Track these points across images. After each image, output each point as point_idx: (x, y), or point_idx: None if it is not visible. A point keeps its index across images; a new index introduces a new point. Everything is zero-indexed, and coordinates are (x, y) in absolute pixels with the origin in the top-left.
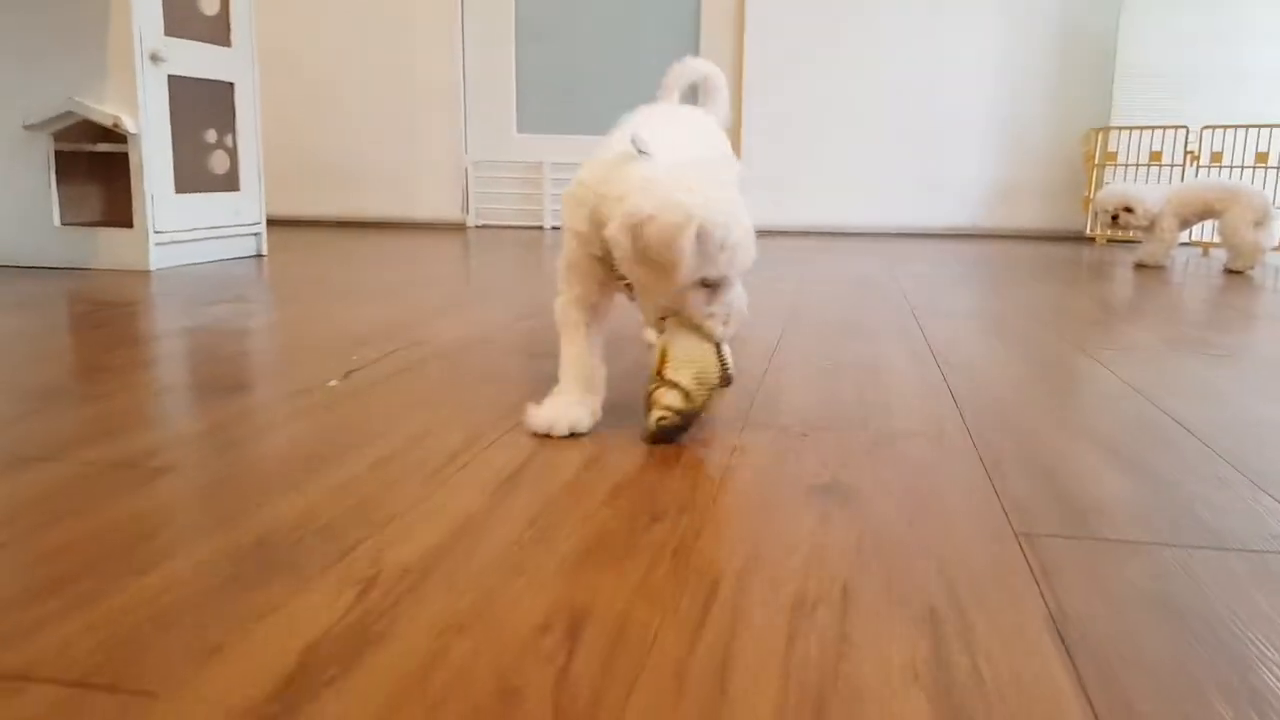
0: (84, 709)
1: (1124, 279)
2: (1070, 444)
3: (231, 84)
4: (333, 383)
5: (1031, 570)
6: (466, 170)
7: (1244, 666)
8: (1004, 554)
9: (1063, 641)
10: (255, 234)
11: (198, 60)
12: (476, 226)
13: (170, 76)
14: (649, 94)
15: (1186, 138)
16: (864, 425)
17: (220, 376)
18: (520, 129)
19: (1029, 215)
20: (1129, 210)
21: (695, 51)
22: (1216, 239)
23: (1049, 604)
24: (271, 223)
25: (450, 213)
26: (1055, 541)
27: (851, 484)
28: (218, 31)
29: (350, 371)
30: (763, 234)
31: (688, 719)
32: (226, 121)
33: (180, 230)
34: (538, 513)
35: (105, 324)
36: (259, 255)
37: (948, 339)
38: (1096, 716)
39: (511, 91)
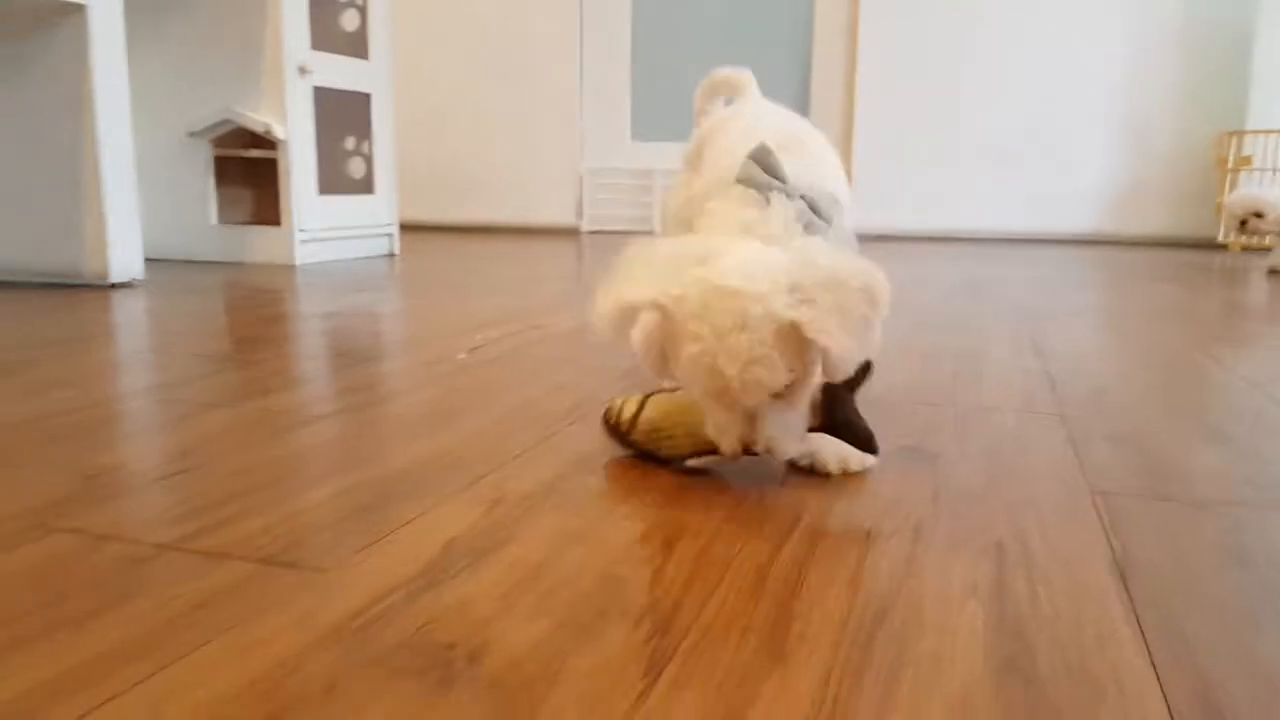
0: (272, 578)
1: (1254, 284)
2: (1168, 422)
3: (369, 95)
4: (461, 356)
5: (1101, 521)
6: (581, 177)
7: None
8: (1075, 506)
9: (1122, 576)
10: (388, 234)
11: (339, 72)
12: (590, 232)
13: (315, 88)
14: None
15: None
16: (953, 401)
17: (361, 349)
18: (634, 137)
19: (1157, 221)
20: (1259, 215)
21: (808, 60)
22: None
23: (1114, 548)
24: (400, 227)
25: (565, 218)
26: (1130, 500)
27: (934, 448)
28: (357, 46)
29: (475, 348)
30: (875, 238)
31: (765, 609)
32: (364, 129)
33: (322, 229)
34: (640, 458)
35: (262, 306)
36: (391, 254)
37: (1055, 333)
38: (1144, 634)
39: (626, 101)
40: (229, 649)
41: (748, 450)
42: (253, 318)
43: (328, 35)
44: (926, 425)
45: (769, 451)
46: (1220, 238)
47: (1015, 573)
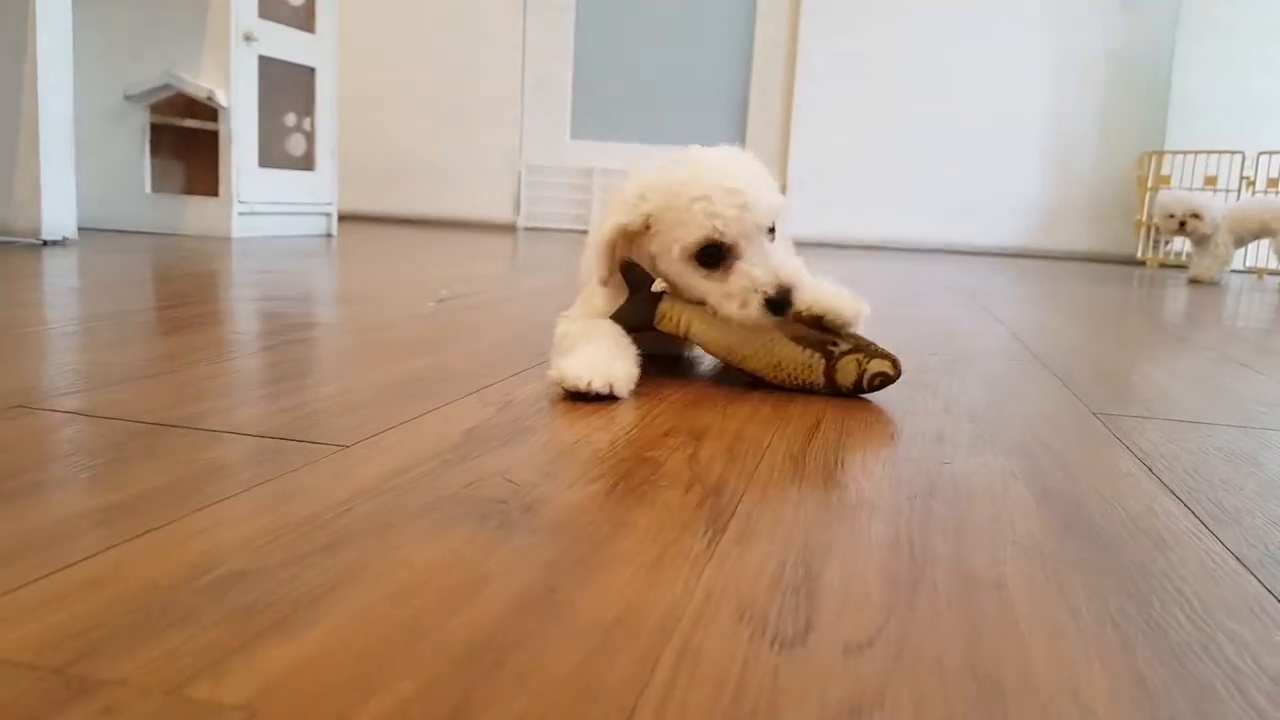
0: (292, 450)
1: (1176, 292)
2: (1138, 369)
3: (313, 69)
4: (431, 304)
5: (1111, 432)
6: (520, 173)
7: None
8: (1083, 421)
9: (1149, 468)
10: (326, 214)
11: (285, 43)
12: (526, 228)
13: (261, 57)
14: (700, 105)
15: (1243, 163)
16: (934, 351)
17: (341, 293)
18: (574, 135)
19: (1080, 237)
20: (1197, 217)
21: (748, 60)
22: (1273, 263)
23: (1132, 448)
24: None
25: (502, 214)
26: (1130, 419)
27: (933, 382)
28: (304, 18)
29: (442, 299)
30: (810, 245)
31: (811, 482)
32: (307, 105)
33: (260, 202)
34: (648, 376)
35: (208, 261)
36: (328, 235)
37: (1008, 311)
38: (1185, 504)
39: (568, 98)
40: (268, 495)
41: (776, 300)
42: (202, 269)
43: (275, 4)
44: (917, 367)
45: (790, 289)
46: (1139, 254)
47: (1047, 464)
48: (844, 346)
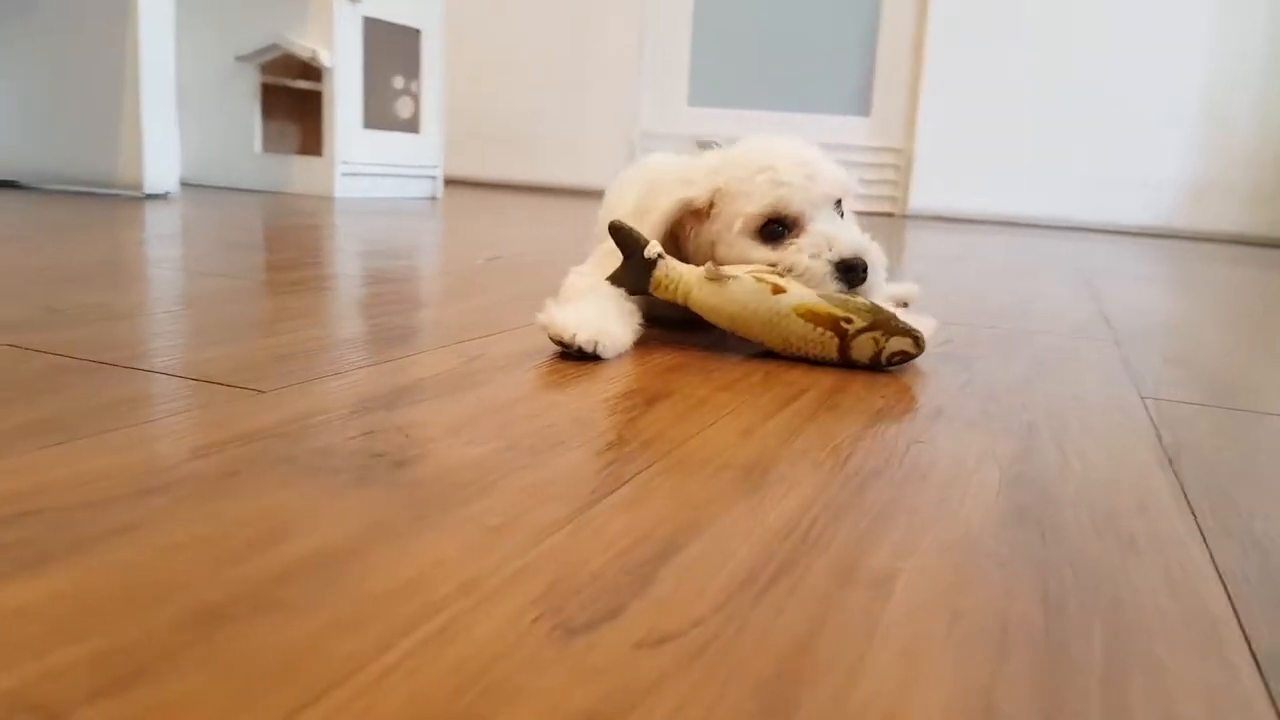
0: (206, 392)
1: None
2: (1233, 351)
3: (419, 31)
4: (479, 262)
5: (1150, 417)
6: (634, 141)
7: None
8: (1121, 404)
9: (1169, 461)
10: (432, 176)
11: (391, 5)
12: None
13: (365, 18)
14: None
15: None
16: (997, 325)
17: (394, 249)
18: (692, 102)
19: (1232, 217)
20: None
21: (874, 31)
22: None
23: (1162, 437)
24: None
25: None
26: (1184, 406)
27: (971, 354)
28: None
29: (492, 258)
30: (932, 219)
31: (747, 453)
32: (413, 67)
33: (364, 164)
34: (654, 340)
35: (292, 217)
36: (433, 198)
37: (1115, 289)
38: (1190, 504)
39: (685, 65)
40: (135, 437)
41: (849, 263)
42: (282, 224)
43: None
44: (965, 340)
45: (864, 261)
46: None
47: (1044, 444)
48: (860, 323)
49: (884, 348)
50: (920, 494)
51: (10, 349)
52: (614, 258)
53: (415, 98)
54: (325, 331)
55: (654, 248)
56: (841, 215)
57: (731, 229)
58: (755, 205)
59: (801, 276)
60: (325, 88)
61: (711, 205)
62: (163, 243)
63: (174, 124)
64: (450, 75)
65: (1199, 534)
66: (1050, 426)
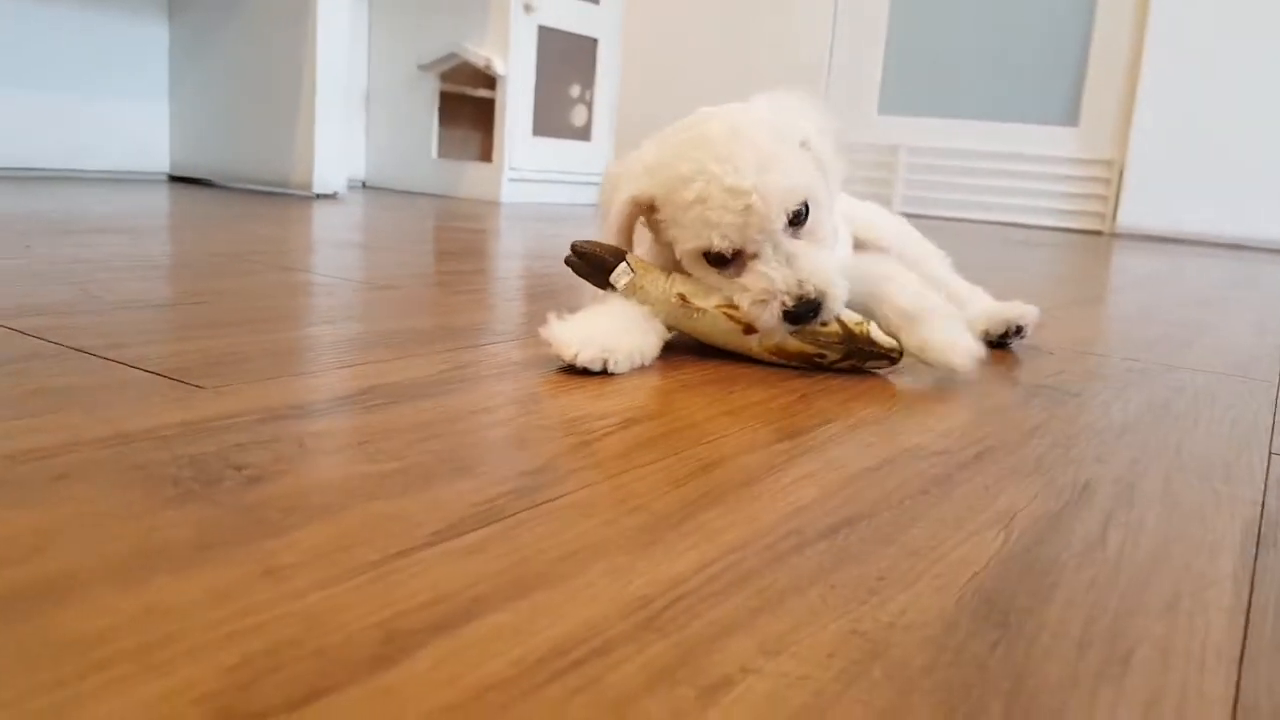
0: (157, 384)
1: None
2: None
3: (596, 40)
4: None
5: (1266, 479)
6: None
7: None
8: (1237, 460)
9: (1259, 534)
10: (599, 184)
11: (567, 13)
12: None
13: (540, 27)
14: (1025, 76)
15: None
16: (1138, 357)
17: (535, 251)
18: (882, 110)
19: None
20: None
21: (1088, 29)
22: None
23: (1265, 511)
24: None
25: None
26: None
27: (1078, 388)
28: None
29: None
30: (1147, 238)
31: (684, 495)
32: (588, 76)
33: (532, 169)
34: (689, 350)
35: (433, 219)
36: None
37: None
38: (1251, 594)
39: (877, 72)
40: (15, 429)
41: (796, 312)
42: (417, 225)
43: None
44: (1088, 371)
45: (819, 295)
46: None
47: (1089, 511)
48: (833, 356)
49: (863, 366)
50: (872, 563)
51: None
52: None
53: (589, 105)
54: (320, 330)
55: (620, 275)
56: (805, 217)
57: (677, 244)
58: (690, 243)
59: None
60: (498, 94)
61: (654, 208)
62: (279, 239)
63: (343, 128)
64: (626, 83)
65: (1235, 679)
66: (1114, 488)
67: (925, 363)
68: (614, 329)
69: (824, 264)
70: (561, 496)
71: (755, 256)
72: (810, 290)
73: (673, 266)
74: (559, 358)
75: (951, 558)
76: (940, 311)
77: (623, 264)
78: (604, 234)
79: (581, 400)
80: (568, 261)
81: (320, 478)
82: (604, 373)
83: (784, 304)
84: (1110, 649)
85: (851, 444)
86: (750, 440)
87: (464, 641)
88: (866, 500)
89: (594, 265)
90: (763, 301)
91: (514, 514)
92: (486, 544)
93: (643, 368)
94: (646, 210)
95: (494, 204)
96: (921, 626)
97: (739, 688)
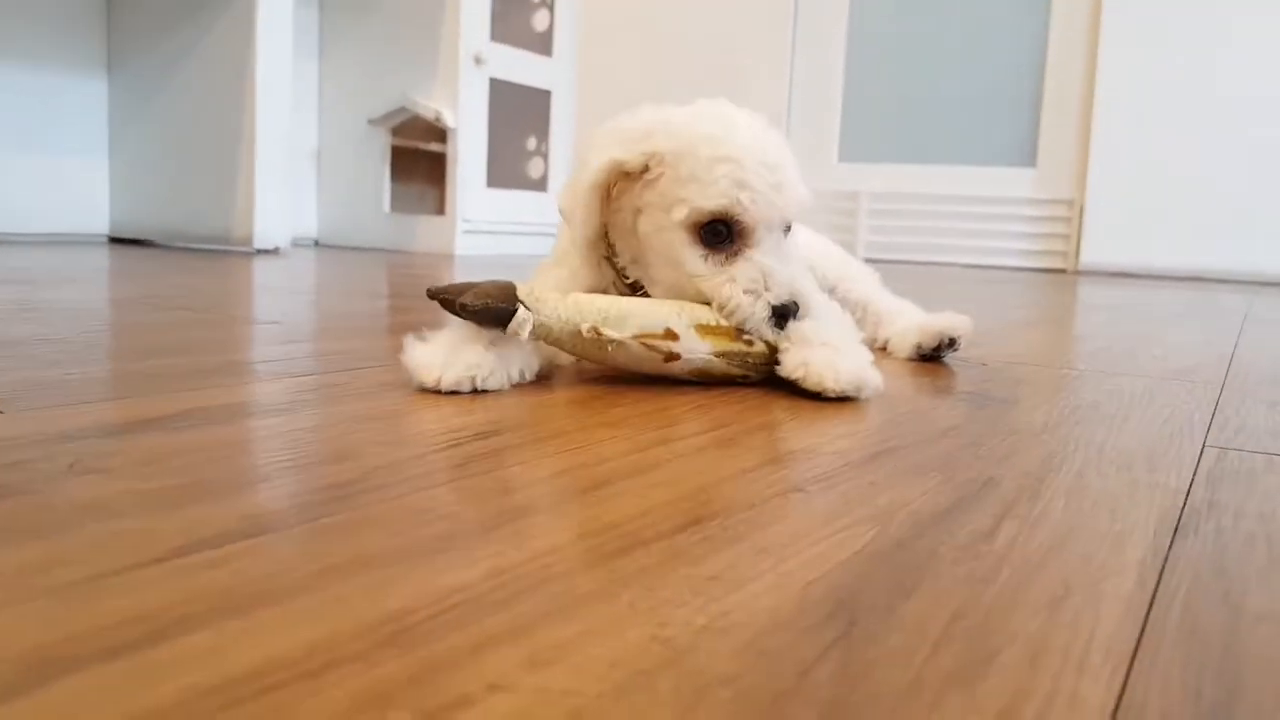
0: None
1: None
2: None
3: (549, 92)
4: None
5: (1195, 471)
6: None
7: None
8: (1165, 454)
9: (1178, 523)
10: (556, 234)
11: (519, 67)
12: None
13: (492, 79)
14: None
15: None
16: (1076, 366)
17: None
18: (841, 158)
19: None
20: None
21: (1039, 71)
22: None
23: (1189, 500)
24: None
25: None
26: (1256, 457)
27: (1002, 394)
28: (542, 42)
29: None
30: (1110, 275)
31: (514, 501)
32: (543, 128)
33: (486, 221)
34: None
35: (380, 271)
36: None
37: (1268, 338)
38: (1158, 583)
39: (836, 121)
40: None
41: (783, 308)
42: (360, 278)
43: (511, 29)
44: (1018, 379)
45: (794, 302)
46: None
47: (983, 506)
48: (755, 377)
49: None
50: (708, 563)
51: None
52: (556, 267)
53: (545, 156)
54: (181, 360)
55: (521, 324)
56: (788, 232)
57: (669, 212)
58: (709, 200)
59: (733, 315)
60: (449, 147)
61: (645, 170)
62: (188, 287)
63: (286, 183)
64: (581, 134)
65: (1122, 679)
66: (1020, 481)
67: (802, 386)
68: (485, 339)
69: (807, 278)
70: (357, 510)
71: (752, 247)
72: (799, 289)
73: (610, 266)
74: (421, 385)
75: (806, 555)
76: (838, 343)
77: (519, 311)
78: (572, 196)
79: (447, 414)
80: (459, 306)
81: (71, 496)
82: (477, 391)
83: (776, 300)
84: (971, 650)
85: (735, 448)
86: (618, 449)
87: (133, 667)
88: (724, 500)
89: (490, 318)
90: (753, 292)
91: (288, 528)
92: (232, 559)
93: (531, 382)
94: (624, 177)
95: (448, 256)
96: (741, 630)
97: (473, 709)
